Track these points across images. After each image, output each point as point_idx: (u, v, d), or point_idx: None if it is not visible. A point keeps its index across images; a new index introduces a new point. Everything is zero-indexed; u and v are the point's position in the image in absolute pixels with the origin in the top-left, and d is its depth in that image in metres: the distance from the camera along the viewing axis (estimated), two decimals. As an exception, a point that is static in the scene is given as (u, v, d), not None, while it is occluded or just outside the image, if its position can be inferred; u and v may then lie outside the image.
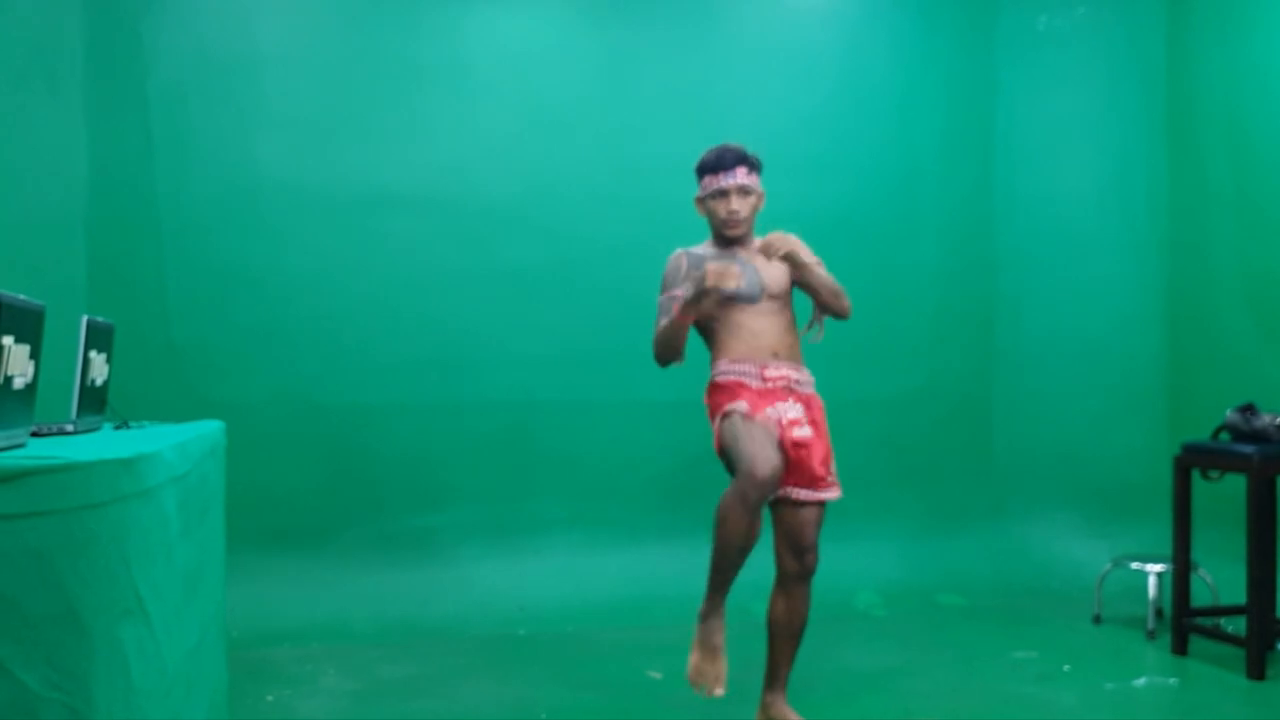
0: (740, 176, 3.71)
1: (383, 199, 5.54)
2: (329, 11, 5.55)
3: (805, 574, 3.68)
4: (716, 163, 3.72)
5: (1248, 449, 4.46)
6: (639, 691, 4.28)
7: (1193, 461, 4.76)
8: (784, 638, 3.73)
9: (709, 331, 3.76)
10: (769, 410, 3.57)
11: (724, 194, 3.71)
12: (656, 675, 4.47)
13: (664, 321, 3.65)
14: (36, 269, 4.86)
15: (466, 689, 4.36)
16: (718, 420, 3.59)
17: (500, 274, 5.67)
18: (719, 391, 3.67)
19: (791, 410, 3.61)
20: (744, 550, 3.33)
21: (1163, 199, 6.23)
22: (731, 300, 3.65)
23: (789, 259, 3.60)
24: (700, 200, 3.80)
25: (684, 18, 5.91)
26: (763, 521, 3.37)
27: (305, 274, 5.46)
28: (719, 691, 3.38)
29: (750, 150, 3.76)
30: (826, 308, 3.76)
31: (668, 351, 3.66)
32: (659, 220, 5.75)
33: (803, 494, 3.64)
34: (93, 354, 3.14)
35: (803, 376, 3.72)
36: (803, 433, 3.62)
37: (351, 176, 5.50)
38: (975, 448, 6.37)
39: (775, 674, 3.77)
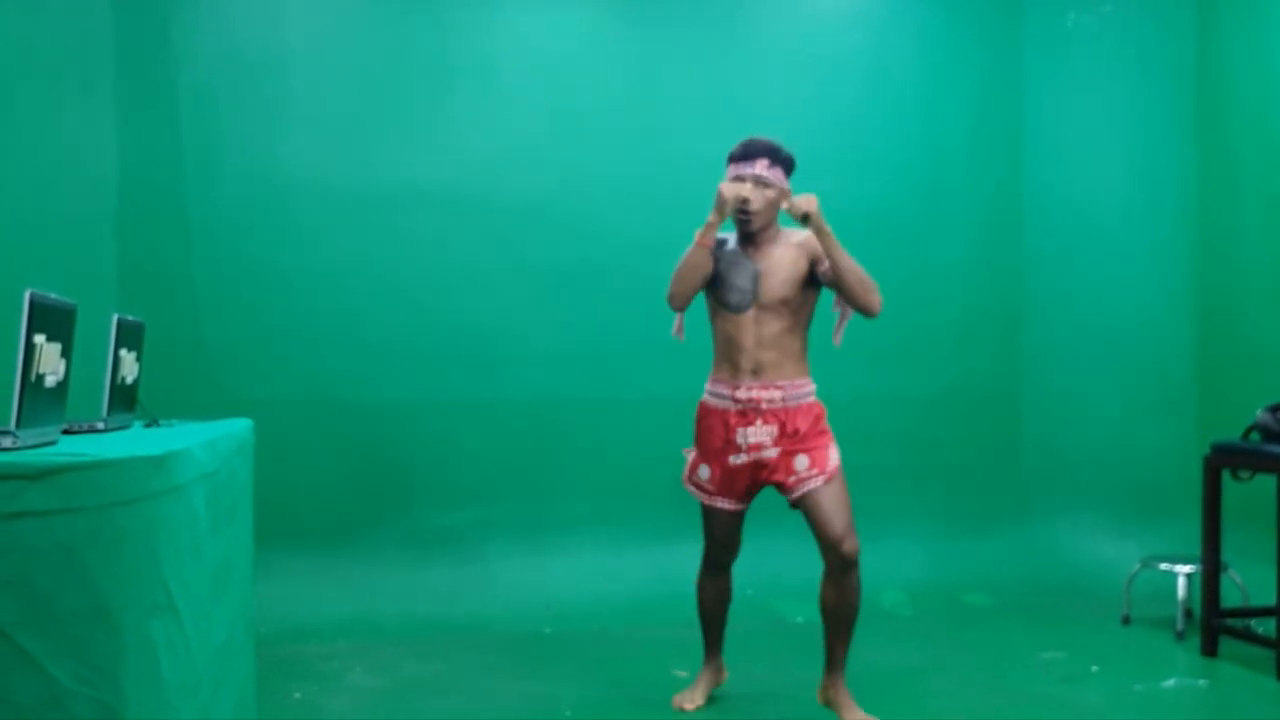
0: (759, 168, 3.74)
1: (410, 197, 5.56)
2: (357, 11, 5.57)
3: (846, 563, 3.70)
4: (741, 152, 3.81)
5: (1279, 449, 4.43)
6: (664, 689, 4.27)
7: (1223, 461, 4.72)
8: (836, 624, 3.82)
9: (711, 335, 3.93)
10: (731, 459, 3.81)
11: (740, 181, 3.76)
12: (682, 673, 4.47)
13: (684, 255, 3.76)
14: (67, 268, 4.90)
15: (492, 686, 4.37)
16: (686, 468, 3.98)
17: (527, 272, 5.68)
18: (699, 421, 3.93)
19: (755, 435, 3.77)
20: (718, 610, 4.12)
21: (1192, 196, 6.18)
22: (721, 308, 3.82)
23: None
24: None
25: (711, 17, 5.90)
26: (731, 581, 4.11)
27: (333, 272, 5.49)
28: (687, 706, 4.05)
29: (784, 149, 3.81)
30: (853, 299, 3.74)
31: (681, 285, 3.78)
32: (685, 219, 5.70)
33: (792, 496, 3.77)
34: (123, 352, 3.16)
35: (782, 393, 3.76)
36: (769, 454, 3.78)
37: (379, 175, 5.52)
38: (1002, 446, 6.34)
39: (832, 657, 3.86)
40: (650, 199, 5.78)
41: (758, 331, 3.77)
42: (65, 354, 2.46)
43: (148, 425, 3.38)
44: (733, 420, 3.78)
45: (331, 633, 5.04)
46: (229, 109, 5.38)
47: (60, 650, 2.01)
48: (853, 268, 3.68)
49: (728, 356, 3.82)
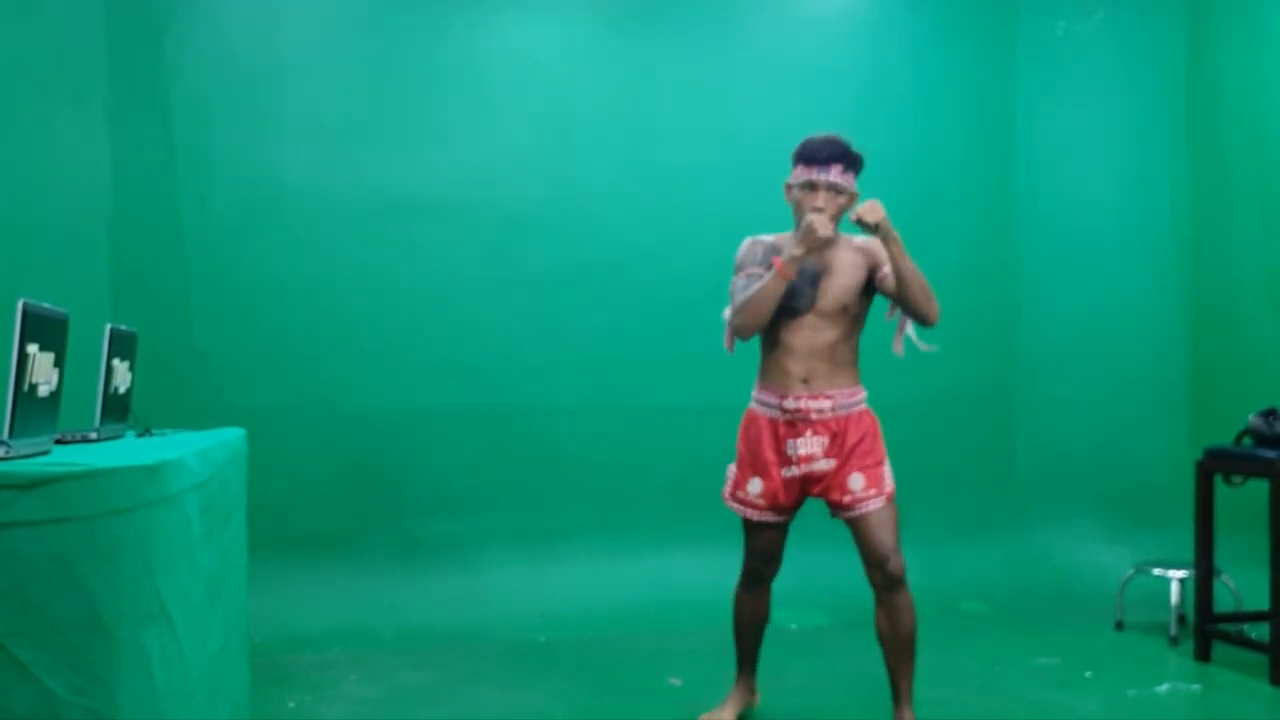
0: (834, 175, 3.58)
1: (404, 206, 5.56)
2: (350, 21, 5.57)
3: (891, 582, 3.61)
4: (812, 154, 3.60)
5: (1271, 454, 4.43)
6: (659, 698, 4.28)
7: (1215, 466, 4.73)
8: (893, 650, 3.67)
9: (760, 340, 3.75)
10: (784, 472, 3.67)
11: (812, 188, 3.59)
12: (677, 682, 4.47)
13: (760, 285, 3.52)
14: (60, 277, 4.90)
15: (487, 695, 4.37)
16: (729, 484, 3.78)
17: (521, 280, 5.68)
18: (746, 431, 3.76)
19: (805, 446, 3.64)
20: (753, 625, 3.91)
21: (1184, 203, 6.20)
22: (778, 313, 3.61)
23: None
24: (788, 187, 3.67)
25: (703, 26, 5.91)
26: (770, 598, 3.92)
27: (327, 281, 5.48)
28: None
29: (854, 146, 3.64)
30: (914, 308, 3.62)
31: (759, 317, 3.54)
32: (678, 227, 5.78)
33: (844, 515, 3.67)
34: (116, 362, 3.16)
35: (832, 402, 3.64)
36: (820, 466, 3.65)
37: (373, 184, 5.52)
38: (997, 453, 6.34)
39: (896, 689, 3.71)
40: (644, 207, 5.79)
41: (814, 339, 3.63)
42: (58, 364, 2.46)
43: (141, 435, 3.37)
44: (782, 431, 3.66)
45: (326, 642, 5.03)
46: (222, 118, 5.38)
47: (54, 660, 2.01)
48: (918, 275, 3.55)
49: (778, 363, 3.66)
